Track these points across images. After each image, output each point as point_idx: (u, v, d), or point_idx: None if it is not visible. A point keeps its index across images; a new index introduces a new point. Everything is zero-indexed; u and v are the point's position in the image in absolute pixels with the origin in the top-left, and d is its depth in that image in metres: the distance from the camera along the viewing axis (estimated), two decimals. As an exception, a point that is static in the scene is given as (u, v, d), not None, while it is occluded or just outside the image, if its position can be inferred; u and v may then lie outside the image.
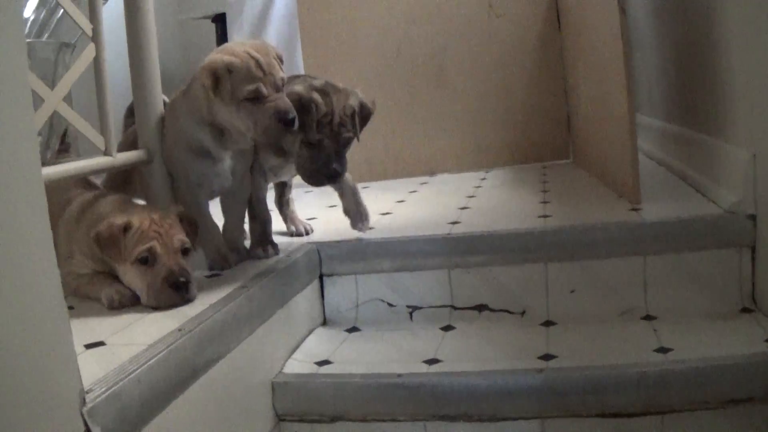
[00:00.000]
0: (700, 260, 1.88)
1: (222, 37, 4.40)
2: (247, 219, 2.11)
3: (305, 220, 2.31)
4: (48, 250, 1.01)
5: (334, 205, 2.33)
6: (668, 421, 1.56)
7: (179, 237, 1.66)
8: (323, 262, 2.08)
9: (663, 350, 1.67)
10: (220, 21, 4.46)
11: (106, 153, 1.71)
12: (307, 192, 3.06)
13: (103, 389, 1.14)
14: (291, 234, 2.27)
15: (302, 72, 3.42)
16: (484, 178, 3.08)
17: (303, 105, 1.84)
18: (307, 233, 2.25)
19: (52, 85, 1.60)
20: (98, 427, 1.08)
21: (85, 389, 1.11)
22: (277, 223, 2.17)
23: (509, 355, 1.75)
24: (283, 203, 2.33)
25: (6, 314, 0.91)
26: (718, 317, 1.81)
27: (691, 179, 2.30)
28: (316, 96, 1.87)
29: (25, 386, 0.93)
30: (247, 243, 2.09)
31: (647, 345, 1.70)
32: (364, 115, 1.97)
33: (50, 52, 1.70)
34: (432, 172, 3.40)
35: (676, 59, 2.53)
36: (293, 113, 1.75)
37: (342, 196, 2.12)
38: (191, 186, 1.90)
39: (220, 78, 1.72)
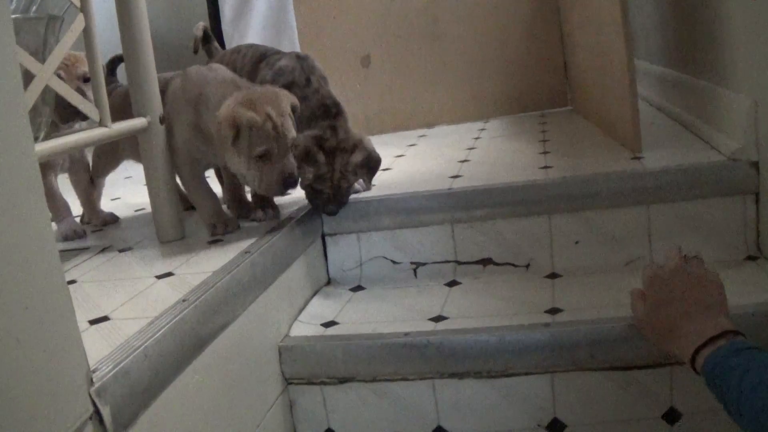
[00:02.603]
0: (703, 208, 1.86)
1: (213, 2, 4.34)
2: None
3: None
4: (45, 228, 0.99)
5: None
6: (677, 372, 1.56)
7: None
8: (325, 222, 2.07)
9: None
10: (209, -19, 4.41)
11: (102, 124, 1.69)
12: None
13: (110, 367, 1.13)
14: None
15: (295, 32, 3.41)
16: (483, 129, 3.06)
17: (308, 157, 1.92)
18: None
19: (42, 59, 1.57)
20: (107, 406, 1.07)
21: (92, 368, 1.10)
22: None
23: (515, 310, 1.74)
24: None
25: (5, 297, 0.89)
26: (724, 265, 1.79)
27: (691, 126, 2.28)
28: (321, 157, 1.93)
29: (29, 372, 0.92)
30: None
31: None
32: (371, 166, 2.02)
33: (39, 26, 1.67)
34: (430, 125, 3.38)
35: (674, 3, 2.50)
36: (296, 176, 1.83)
37: None
38: (192, 161, 1.97)
39: (240, 132, 1.76)
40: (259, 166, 1.79)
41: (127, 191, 2.85)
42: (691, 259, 1.49)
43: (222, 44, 4.26)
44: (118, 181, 3.02)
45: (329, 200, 1.97)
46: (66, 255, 1.96)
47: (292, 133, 1.83)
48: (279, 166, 1.80)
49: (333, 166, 1.94)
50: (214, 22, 4.31)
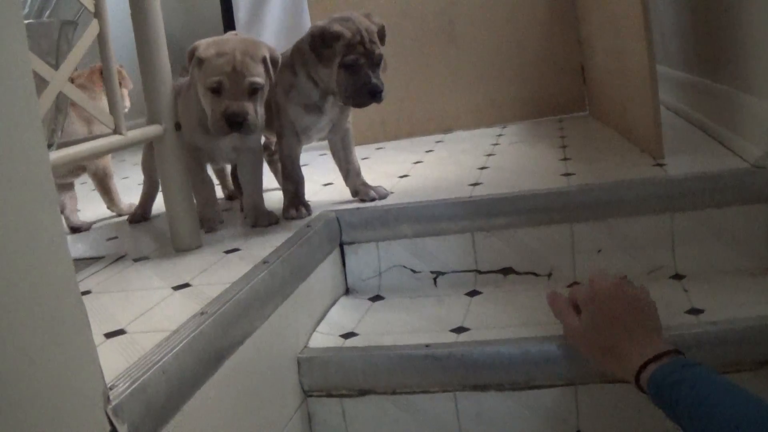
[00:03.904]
0: (726, 216, 1.83)
1: (226, 3, 4.34)
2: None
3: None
4: (59, 240, 0.97)
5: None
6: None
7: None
8: (343, 231, 2.04)
9: (695, 311, 1.63)
10: (223, -12, 4.41)
11: (116, 131, 1.66)
12: (321, 155, 3.03)
13: (127, 384, 1.10)
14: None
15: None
16: (500, 134, 3.03)
17: (325, 38, 1.92)
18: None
19: (56, 65, 1.55)
20: (124, 425, 1.05)
21: (108, 385, 1.07)
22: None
23: (538, 320, 1.71)
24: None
25: (18, 314, 0.87)
26: (747, 274, 1.77)
27: (713, 132, 2.24)
28: (338, 26, 1.92)
29: (44, 391, 0.90)
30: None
31: (679, 306, 1.66)
32: (383, 33, 2.02)
33: (52, 31, 1.65)
34: (447, 130, 3.35)
35: (694, 7, 2.47)
36: (242, 117, 1.86)
37: (347, 177, 2.18)
38: (194, 148, 2.05)
39: (199, 64, 1.89)
40: (212, 100, 1.87)
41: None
42: (624, 280, 1.53)
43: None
44: (132, 186, 3.00)
45: (368, 76, 1.94)
46: (80, 264, 1.94)
47: (255, 78, 1.87)
48: (227, 102, 1.85)
49: (357, 29, 1.93)
50: (228, 26, 4.31)
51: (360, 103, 1.96)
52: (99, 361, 1.03)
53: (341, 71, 1.94)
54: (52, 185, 0.96)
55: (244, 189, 2.14)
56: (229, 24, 4.25)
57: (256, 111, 1.89)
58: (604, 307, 1.47)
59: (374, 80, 1.93)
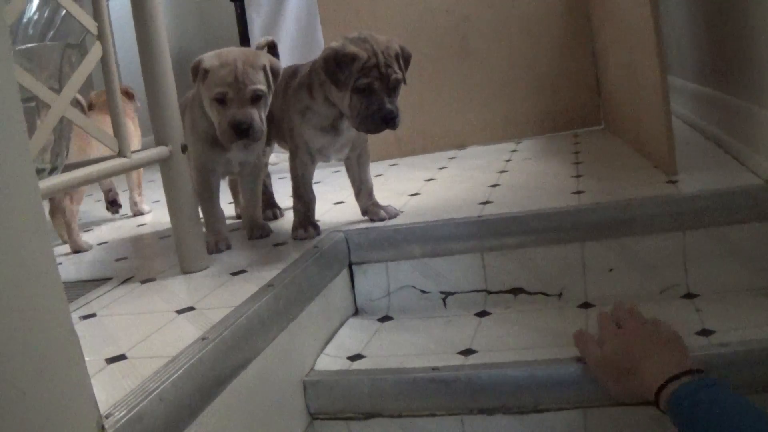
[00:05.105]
0: (740, 234, 1.80)
1: (241, 16, 4.36)
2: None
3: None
4: (51, 270, 0.95)
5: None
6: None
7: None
8: (352, 251, 2.02)
9: (705, 332, 1.60)
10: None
11: (121, 154, 1.66)
12: (335, 172, 3.02)
13: (124, 413, 1.09)
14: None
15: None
16: (514, 150, 3.01)
17: (339, 60, 1.87)
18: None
19: (59, 89, 1.54)
20: (119, 456, 1.04)
21: (105, 414, 1.06)
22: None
23: (547, 342, 1.68)
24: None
25: (9, 347, 0.86)
26: (760, 293, 1.75)
27: (726, 146, 2.22)
28: (352, 47, 1.88)
29: (36, 425, 0.89)
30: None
31: (690, 327, 1.63)
32: (406, 57, 1.97)
33: (55, 54, 1.65)
34: (461, 145, 3.33)
35: (708, 19, 2.44)
36: (247, 125, 1.90)
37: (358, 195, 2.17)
38: (203, 168, 2.10)
39: (204, 76, 1.94)
40: (218, 110, 1.91)
41: (156, 215, 2.84)
42: (649, 320, 1.54)
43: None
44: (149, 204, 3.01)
45: (382, 101, 1.87)
46: (88, 285, 1.94)
47: (258, 86, 1.90)
48: (232, 111, 1.89)
49: (374, 51, 1.88)
50: (243, 41, 4.33)
51: (371, 129, 1.91)
52: (93, 391, 1.01)
53: (354, 95, 1.89)
54: (42, 215, 0.95)
55: (243, 201, 2.22)
56: (244, 41, 4.26)
57: (261, 118, 1.92)
58: (627, 332, 1.49)
59: (388, 106, 1.87)
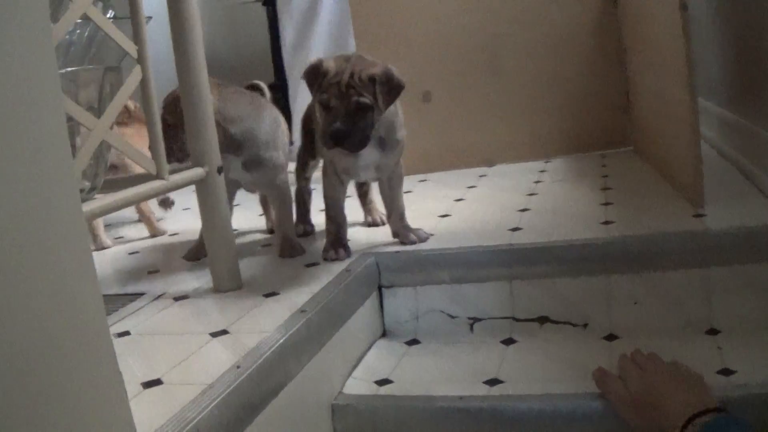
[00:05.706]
0: (765, 272, 1.82)
1: (273, 21, 4.39)
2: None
3: (382, 211, 2.33)
4: (95, 296, 0.97)
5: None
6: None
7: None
8: (382, 274, 2.06)
9: (726, 372, 1.62)
10: (270, 4, 4.46)
11: (158, 176, 1.69)
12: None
13: (161, 444, 1.13)
14: (368, 224, 2.44)
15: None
16: (543, 171, 3.04)
17: (309, 72, 1.92)
18: (383, 224, 2.35)
19: (98, 112, 1.58)
20: (158, 488, 1.07)
21: (143, 445, 1.10)
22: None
23: (572, 374, 1.71)
24: (361, 194, 2.47)
25: (54, 377, 0.88)
26: (787, 333, 1.77)
27: (755, 178, 2.23)
28: (330, 63, 1.91)
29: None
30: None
31: (711, 365, 1.65)
32: (391, 86, 1.92)
33: (95, 78, 1.68)
34: (490, 163, 3.35)
35: (740, 49, 2.46)
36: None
37: (389, 218, 2.22)
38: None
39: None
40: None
41: (187, 225, 2.87)
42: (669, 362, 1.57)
43: (282, 70, 4.30)
44: (180, 213, 3.04)
45: (335, 119, 1.88)
46: (122, 299, 1.97)
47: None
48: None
49: (342, 71, 1.89)
50: (275, 50, 4.35)
51: (324, 145, 1.94)
52: (132, 420, 1.03)
53: (320, 109, 1.95)
54: (86, 239, 0.97)
55: (274, 216, 2.35)
56: (276, 50, 4.30)
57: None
58: (649, 371, 1.52)
59: (337, 125, 1.87)
